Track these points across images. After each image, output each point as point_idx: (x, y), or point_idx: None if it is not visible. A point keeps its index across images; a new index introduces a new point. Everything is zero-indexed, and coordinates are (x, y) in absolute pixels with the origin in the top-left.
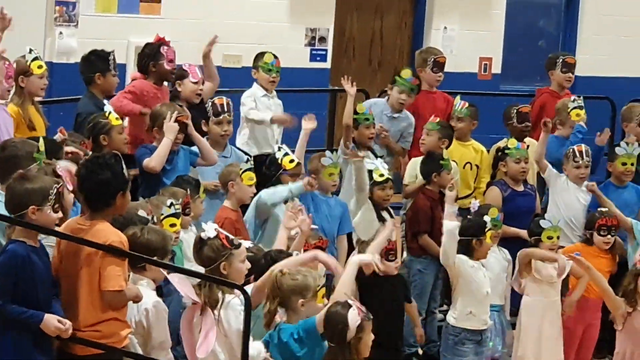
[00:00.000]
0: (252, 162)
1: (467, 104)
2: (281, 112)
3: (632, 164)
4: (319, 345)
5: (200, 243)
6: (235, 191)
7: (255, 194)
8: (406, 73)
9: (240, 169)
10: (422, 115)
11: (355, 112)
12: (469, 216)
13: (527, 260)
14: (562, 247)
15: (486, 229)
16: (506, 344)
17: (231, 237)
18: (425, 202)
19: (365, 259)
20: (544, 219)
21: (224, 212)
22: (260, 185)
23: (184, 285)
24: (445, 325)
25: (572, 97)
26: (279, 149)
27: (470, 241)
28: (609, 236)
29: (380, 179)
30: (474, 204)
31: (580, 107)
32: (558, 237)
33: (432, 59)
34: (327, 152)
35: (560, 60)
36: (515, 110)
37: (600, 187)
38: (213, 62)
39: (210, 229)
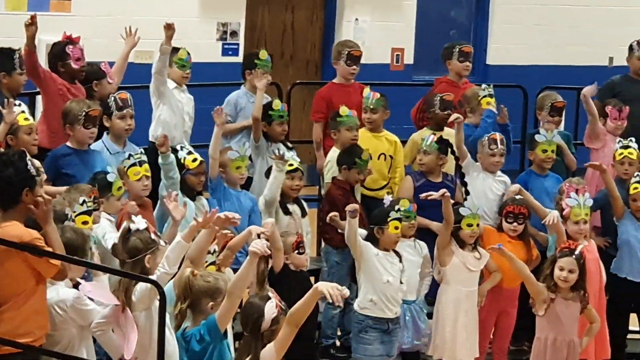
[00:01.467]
0: (137, 156)
1: (378, 95)
2: (192, 107)
3: (552, 151)
4: (219, 342)
5: (128, 233)
6: (127, 187)
7: (147, 188)
8: (263, 54)
9: (124, 166)
10: (337, 108)
11: (271, 108)
12: None
13: (445, 245)
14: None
15: (389, 219)
16: (420, 336)
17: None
18: (338, 192)
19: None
20: (464, 206)
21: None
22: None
23: (98, 291)
24: (353, 312)
25: (483, 86)
26: (182, 148)
27: (373, 229)
28: (516, 224)
29: (289, 168)
30: (387, 199)
31: (490, 96)
32: (478, 225)
33: (347, 52)
34: (233, 145)
35: (457, 49)
36: (438, 98)
37: (522, 175)
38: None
39: (140, 221)
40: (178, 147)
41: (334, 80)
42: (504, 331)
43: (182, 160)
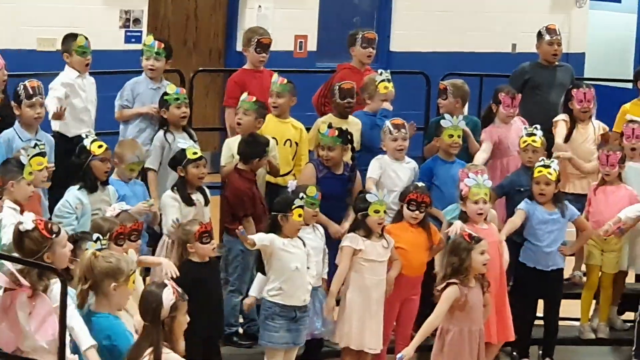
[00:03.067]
0: (41, 146)
1: (285, 80)
2: (94, 92)
3: (458, 136)
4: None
5: (19, 236)
6: None
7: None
8: (149, 39)
9: (28, 154)
10: (251, 94)
11: (166, 93)
12: None
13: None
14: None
15: (293, 206)
16: (328, 322)
17: (50, 224)
18: (244, 183)
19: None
20: (370, 193)
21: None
22: (71, 173)
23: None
24: (262, 299)
25: (380, 71)
26: (87, 135)
27: (276, 217)
28: (418, 212)
29: (194, 157)
30: (291, 184)
31: (388, 80)
32: (385, 211)
33: (256, 39)
34: (130, 131)
35: (360, 36)
36: (338, 87)
37: (428, 162)
38: None
39: (27, 221)
40: (83, 135)
41: (245, 67)
42: (407, 319)
43: (87, 147)
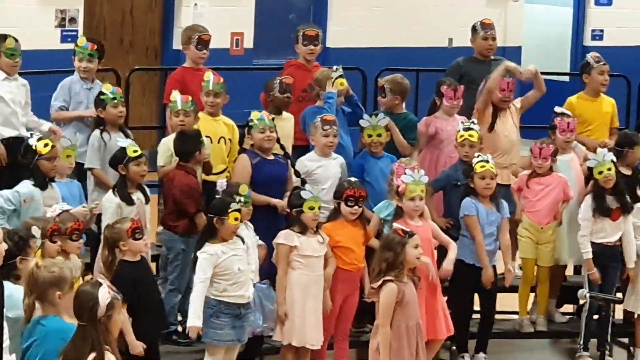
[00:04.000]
0: None
1: (221, 79)
2: (25, 93)
3: (378, 135)
4: None
5: None
6: None
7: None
8: (81, 41)
9: None
10: (192, 92)
11: (102, 93)
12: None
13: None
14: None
15: (229, 210)
16: (268, 318)
17: None
18: (191, 179)
19: None
20: (305, 189)
21: None
22: (17, 173)
23: None
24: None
25: (335, 67)
26: (32, 135)
27: (212, 220)
28: (356, 207)
29: (134, 154)
30: (221, 183)
31: (342, 76)
32: (319, 208)
33: (197, 37)
34: (67, 134)
35: (302, 33)
36: (278, 81)
37: (358, 158)
38: None
39: None
40: (28, 134)
41: (185, 65)
42: (347, 314)
43: (33, 147)
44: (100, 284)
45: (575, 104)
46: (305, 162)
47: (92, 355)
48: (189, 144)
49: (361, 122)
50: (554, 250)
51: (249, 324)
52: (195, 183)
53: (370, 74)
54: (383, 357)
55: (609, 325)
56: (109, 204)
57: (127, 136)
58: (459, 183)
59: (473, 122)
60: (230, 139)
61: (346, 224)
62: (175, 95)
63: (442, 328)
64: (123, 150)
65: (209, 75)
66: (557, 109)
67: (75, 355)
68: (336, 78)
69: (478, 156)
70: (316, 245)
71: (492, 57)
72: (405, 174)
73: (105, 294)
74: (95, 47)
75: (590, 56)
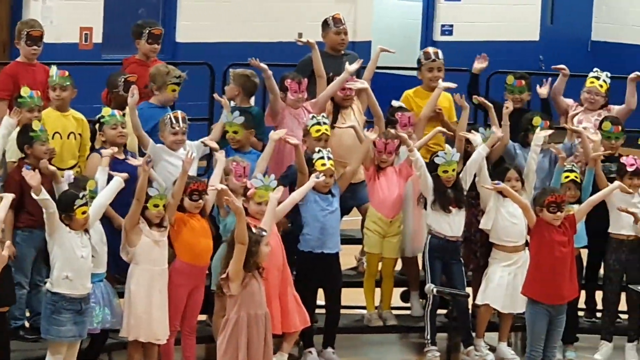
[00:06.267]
0: None
1: (67, 73)
2: None
3: (234, 132)
4: None
5: None
6: None
7: None
8: None
9: None
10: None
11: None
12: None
13: (133, 225)
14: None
15: (75, 206)
16: (116, 313)
17: None
18: (16, 172)
19: None
20: (152, 187)
21: None
22: None
23: None
24: (44, 292)
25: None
26: None
27: (60, 216)
28: (200, 201)
29: None
30: (67, 175)
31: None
32: (164, 205)
33: (26, 32)
34: None
35: (147, 31)
36: (123, 79)
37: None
38: None
39: None
40: None
41: (18, 59)
42: (193, 308)
43: None
44: None
45: (411, 98)
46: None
47: None
48: (23, 138)
49: (222, 117)
50: (399, 242)
51: (90, 319)
52: (20, 177)
53: (219, 68)
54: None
55: (469, 319)
56: None
57: None
58: None
59: (323, 116)
60: (80, 134)
61: (189, 217)
62: (27, 90)
63: (295, 321)
64: None
65: (54, 70)
66: (395, 103)
67: None
68: (171, 83)
69: (319, 151)
70: (158, 237)
71: (343, 52)
72: (256, 177)
73: None
74: None
75: (422, 53)
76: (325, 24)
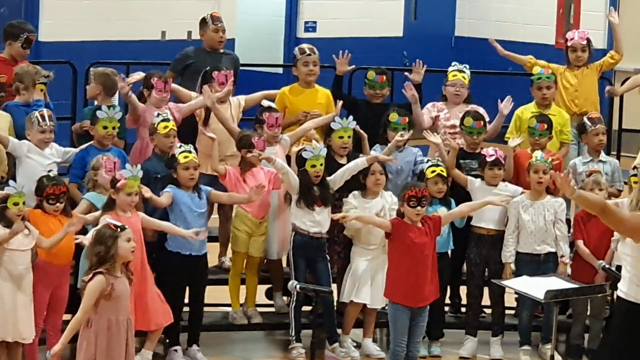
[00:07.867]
0: None
1: None
2: None
3: (113, 128)
4: None
5: None
6: None
7: None
8: None
9: None
10: None
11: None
12: None
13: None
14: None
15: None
16: None
17: None
18: None
19: None
20: (9, 185)
21: None
22: None
23: None
24: None
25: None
26: None
27: None
28: (58, 204)
29: None
30: None
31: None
32: (24, 203)
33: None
34: None
35: (25, 36)
36: None
37: (82, 151)
38: None
39: None
40: None
41: None
42: (57, 307)
43: None
44: None
45: (287, 95)
46: None
47: None
48: None
49: (98, 113)
50: (265, 241)
51: None
52: None
53: (82, 68)
54: (64, 340)
55: (334, 316)
56: None
57: None
58: (159, 175)
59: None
60: None
61: (48, 217)
62: None
63: (157, 319)
64: None
65: None
66: (265, 103)
67: None
68: (40, 83)
69: (180, 146)
70: (22, 239)
71: (222, 50)
72: (125, 168)
73: None
74: None
75: (297, 49)
76: (203, 21)
